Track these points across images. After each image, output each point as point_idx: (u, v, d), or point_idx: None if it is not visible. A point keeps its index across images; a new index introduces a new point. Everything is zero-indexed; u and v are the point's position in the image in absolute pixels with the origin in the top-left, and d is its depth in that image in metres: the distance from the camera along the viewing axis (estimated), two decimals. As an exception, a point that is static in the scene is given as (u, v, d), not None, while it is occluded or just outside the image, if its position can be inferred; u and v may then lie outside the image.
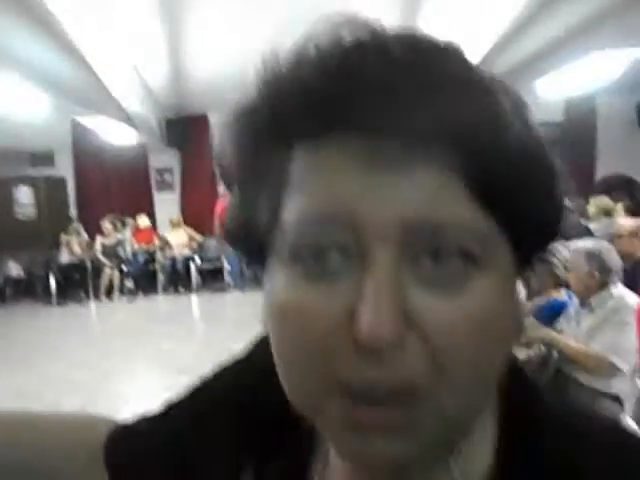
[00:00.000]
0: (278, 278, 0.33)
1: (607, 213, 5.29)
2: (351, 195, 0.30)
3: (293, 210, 0.32)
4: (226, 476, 0.43)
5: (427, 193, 0.30)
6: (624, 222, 3.75)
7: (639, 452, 0.37)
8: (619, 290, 2.47)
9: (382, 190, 0.30)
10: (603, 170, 9.04)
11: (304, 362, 0.32)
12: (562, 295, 2.83)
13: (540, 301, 2.92)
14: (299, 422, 0.40)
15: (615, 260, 2.55)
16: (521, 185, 0.32)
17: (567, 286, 2.81)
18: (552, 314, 2.74)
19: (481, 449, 0.38)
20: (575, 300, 2.65)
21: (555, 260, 2.84)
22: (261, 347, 0.43)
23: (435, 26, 4.78)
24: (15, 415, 0.51)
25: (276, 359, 0.35)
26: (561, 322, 2.67)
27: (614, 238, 3.64)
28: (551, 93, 7.79)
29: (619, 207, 5.17)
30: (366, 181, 0.30)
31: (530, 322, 2.77)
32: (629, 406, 2.44)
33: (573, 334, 2.53)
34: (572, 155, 9.29)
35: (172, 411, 0.49)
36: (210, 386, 0.49)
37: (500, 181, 0.31)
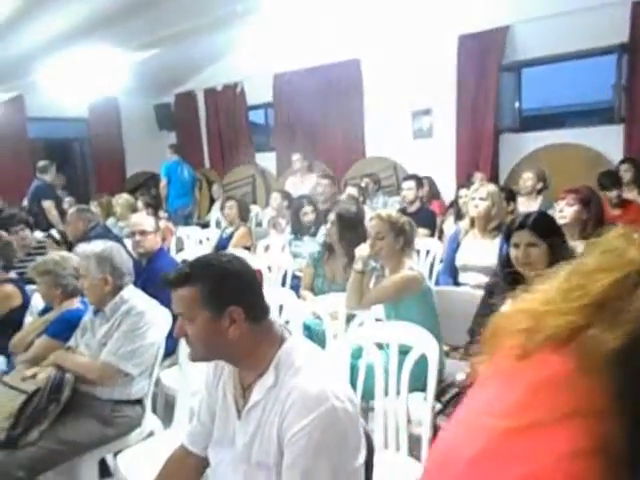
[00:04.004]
0: None
1: (134, 210, 5.40)
2: None
3: None
4: None
5: None
6: (145, 220, 3.75)
7: None
8: (130, 292, 2.39)
9: None
10: (132, 168, 9.35)
11: None
12: (76, 304, 2.60)
13: (53, 316, 2.61)
14: None
15: (126, 261, 2.45)
16: None
17: (81, 294, 2.59)
18: (67, 327, 2.47)
19: None
20: (90, 308, 2.45)
21: (61, 269, 2.59)
22: None
23: None
24: None
25: None
26: (76, 335, 2.43)
27: (138, 235, 3.61)
28: (76, 95, 7.51)
29: (140, 204, 5.33)
30: None
31: (41, 342, 2.46)
32: (151, 404, 2.43)
33: (88, 346, 2.33)
34: (104, 153, 9.26)
35: None
36: None
37: None
